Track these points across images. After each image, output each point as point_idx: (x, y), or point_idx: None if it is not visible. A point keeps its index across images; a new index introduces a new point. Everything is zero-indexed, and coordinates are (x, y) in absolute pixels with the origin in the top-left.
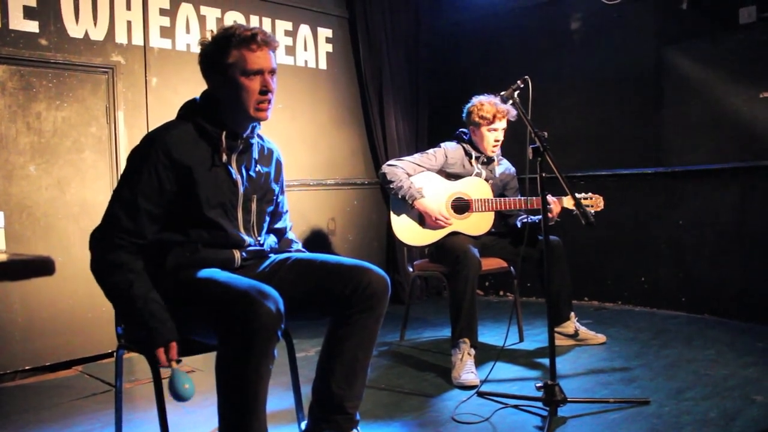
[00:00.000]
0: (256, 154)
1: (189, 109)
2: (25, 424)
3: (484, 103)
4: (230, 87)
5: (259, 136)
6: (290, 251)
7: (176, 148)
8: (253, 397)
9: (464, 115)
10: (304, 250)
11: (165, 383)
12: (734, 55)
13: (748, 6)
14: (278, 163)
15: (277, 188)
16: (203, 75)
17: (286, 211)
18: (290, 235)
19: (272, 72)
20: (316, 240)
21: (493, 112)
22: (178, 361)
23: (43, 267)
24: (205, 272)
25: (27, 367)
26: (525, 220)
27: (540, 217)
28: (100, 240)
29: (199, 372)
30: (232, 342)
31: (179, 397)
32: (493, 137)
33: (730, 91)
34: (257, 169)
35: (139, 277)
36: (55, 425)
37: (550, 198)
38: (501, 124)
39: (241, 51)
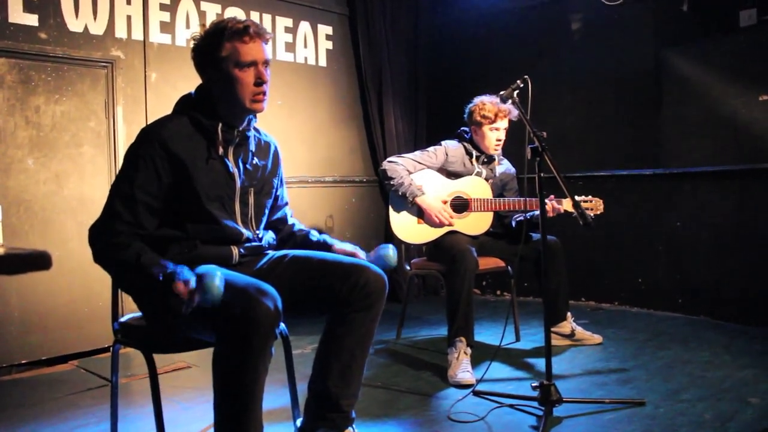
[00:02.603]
0: (253, 147)
1: (184, 103)
2: (20, 418)
3: (486, 102)
4: (225, 80)
5: (256, 130)
6: (294, 233)
7: (172, 141)
8: (249, 395)
9: (465, 115)
10: (305, 228)
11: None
12: (734, 57)
13: (748, 8)
14: (276, 156)
15: (276, 181)
16: (197, 69)
17: (286, 203)
18: (291, 219)
19: (266, 63)
20: None
21: (495, 111)
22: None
23: (40, 261)
24: (203, 269)
25: (23, 362)
26: (520, 218)
27: (534, 213)
28: (100, 232)
29: (196, 368)
30: (229, 339)
31: (207, 292)
32: (495, 136)
33: (729, 94)
34: (254, 162)
35: (145, 250)
36: (50, 420)
37: (553, 204)
38: (503, 124)
39: (233, 43)
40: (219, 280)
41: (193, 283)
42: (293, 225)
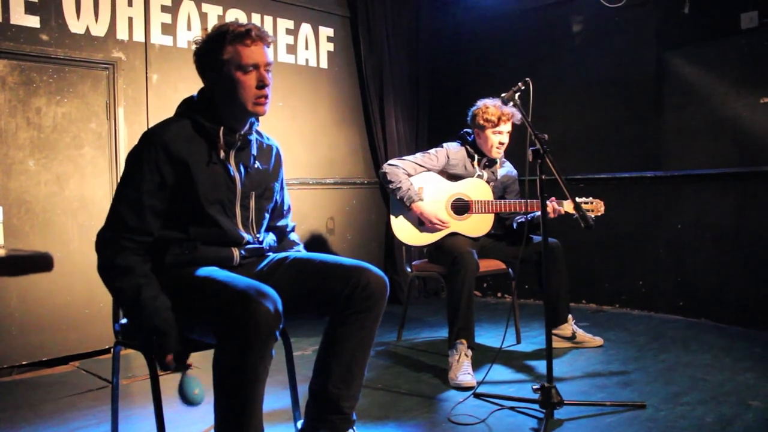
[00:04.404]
0: (255, 150)
1: (186, 106)
2: (20, 419)
3: (489, 106)
4: (227, 83)
5: (258, 133)
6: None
7: (174, 143)
8: (250, 397)
9: (468, 118)
10: (302, 251)
11: (167, 386)
12: (735, 60)
13: (750, 11)
14: (278, 160)
15: (276, 185)
16: (199, 73)
17: (288, 208)
18: (293, 236)
19: (268, 66)
20: (315, 239)
21: (498, 115)
22: (188, 367)
23: (40, 262)
24: (204, 270)
25: (23, 363)
26: (521, 220)
27: (534, 214)
28: (107, 242)
29: (197, 370)
30: (230, 341)
31: (189, 402)
32: (497, 140)
33: (730, 96)
34: (256, 166)
35: (148, 281)
36: (51, 421)
37: (554, 205)
38: (506, 127)
39: (235, 47)
40: (197, 393)
41: (180, 357)
42: (294, 243)
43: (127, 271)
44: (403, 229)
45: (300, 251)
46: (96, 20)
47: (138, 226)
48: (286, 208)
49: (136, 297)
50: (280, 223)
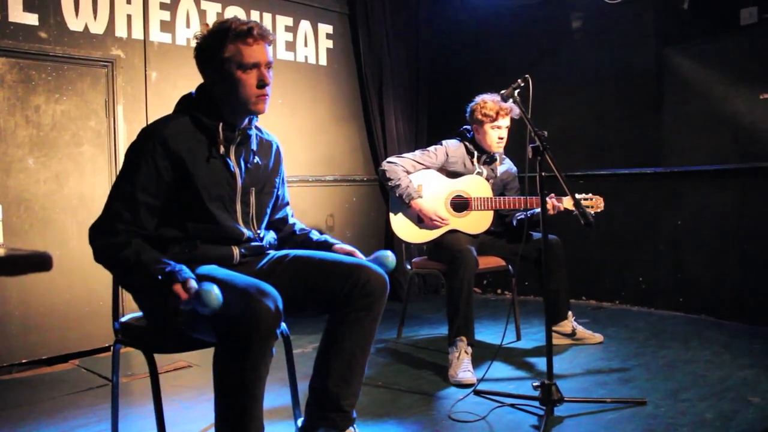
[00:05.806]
0: (254, 146)
1: (185, 103)
2: (21, 417)
3: (488, 101)
4: (227, 81)
5: (258, 128)
6: (294, 233)
7: (173, 139)
8: (250, 395)
9: (467, 113)
10: (306, 228)
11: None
12: (735, 56)
13: (749, 7)
14: (278, 155)
15: (277, 180)
16: (199, 69)
17: (287, 203)
18: (292, 219)
19: (269, 65)
20: None
21: (497, 110)
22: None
23: (40, 261)
24: (204, 269)
25: (24, 361)
26: (521, 217)
27: (534, 210)
28: (99, 231)
29: (197, 368)
30: (230, 340)
31: (206, 304)
32: (496, 135)
33: (730, 92)
34: (256, 161)
35: (145, 248)
36: (51, 419)
37: (553, 202)
38: (504, 122)
39: (237, 45)
40: (217, 291)
41: (192, 283)
42: (294, 225)
43: (123, 245)
44: (402, 227)
45: (305, 229)
46: (95, 18)
47: (131, 221)
48: (285, 203)
49: (138, 261)
50: (278, 216)
